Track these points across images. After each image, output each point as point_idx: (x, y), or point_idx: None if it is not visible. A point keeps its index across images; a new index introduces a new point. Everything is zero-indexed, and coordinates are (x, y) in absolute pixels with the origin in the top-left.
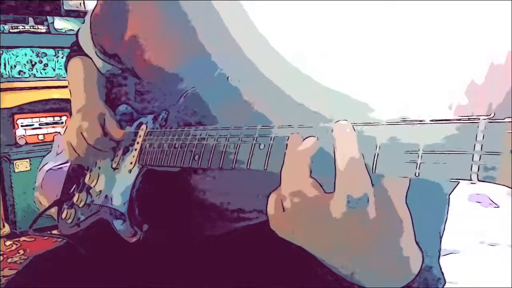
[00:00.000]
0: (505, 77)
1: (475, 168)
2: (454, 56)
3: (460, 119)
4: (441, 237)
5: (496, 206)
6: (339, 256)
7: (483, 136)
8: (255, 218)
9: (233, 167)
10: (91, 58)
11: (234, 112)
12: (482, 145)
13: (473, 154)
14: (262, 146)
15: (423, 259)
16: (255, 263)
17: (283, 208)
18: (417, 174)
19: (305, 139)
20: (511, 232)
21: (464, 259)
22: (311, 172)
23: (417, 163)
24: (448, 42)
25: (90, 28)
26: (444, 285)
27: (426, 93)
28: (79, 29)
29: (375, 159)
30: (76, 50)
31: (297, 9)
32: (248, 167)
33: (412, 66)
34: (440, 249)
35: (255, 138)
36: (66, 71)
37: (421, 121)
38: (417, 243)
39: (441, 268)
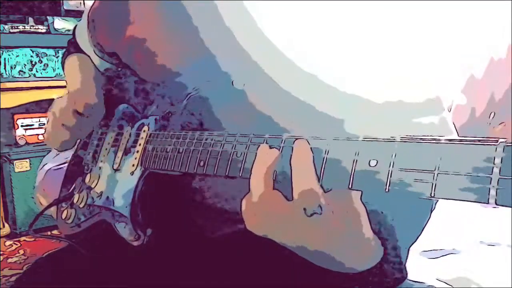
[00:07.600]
0: (506, 72)
1: (493, 192)
2: (454, 52)
3: (478, 141)
4: (416, 239)
5: (496, 206)
6: (308, 249)
7: (502, 159)
8: None
9: (240, 175)
10: (88, 56)
11: (239, 115)
12: (500, 168)
13: (491, 178)
14: None
15: (385, 250)
16: (258, 265)
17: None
18: (432, 195)
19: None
20: (511, 232)
21: (464, 259)
22: (274, 182)
23: (432, 184)
24: (449, 37)
25: (88, 25)
26: (404, 280)
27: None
28: (75, 26)
29: (389, 176)
30: (73, 47)
31: (301, 10)
32: None
33: (414, 63)
34: (409, 248)
35: None
36: (63, 69)
37: (437, 140)
38: (382, 237)
39: (405, 264)
